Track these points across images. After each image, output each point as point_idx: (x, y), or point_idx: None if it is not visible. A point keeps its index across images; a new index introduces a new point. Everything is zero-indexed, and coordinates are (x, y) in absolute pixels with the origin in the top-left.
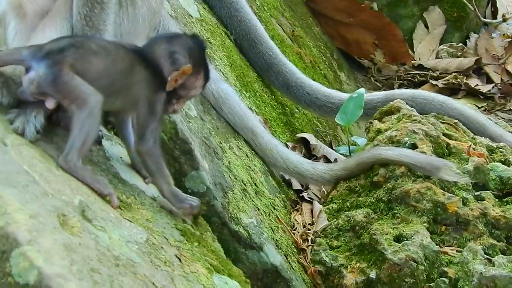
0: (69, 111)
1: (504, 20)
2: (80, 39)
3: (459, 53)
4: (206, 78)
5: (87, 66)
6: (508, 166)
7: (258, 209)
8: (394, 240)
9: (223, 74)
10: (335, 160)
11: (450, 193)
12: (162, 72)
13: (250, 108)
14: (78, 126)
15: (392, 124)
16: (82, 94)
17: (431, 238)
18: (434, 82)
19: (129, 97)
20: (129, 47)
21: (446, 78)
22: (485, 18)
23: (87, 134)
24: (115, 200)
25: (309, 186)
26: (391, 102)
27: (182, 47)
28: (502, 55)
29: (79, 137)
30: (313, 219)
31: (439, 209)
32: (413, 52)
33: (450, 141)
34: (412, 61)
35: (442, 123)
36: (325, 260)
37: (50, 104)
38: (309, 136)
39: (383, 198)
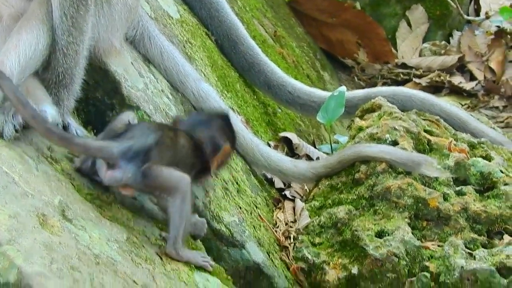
0: (161, 197)
1: (487, 17)
2: (160, 135)
3: (442, 51)
4: (233, 147)
5: (163, 156)
6: (489, 161)
7: (240, 208)
8: (376, 236)
9: (204, 74)
10: (317, 158)
11: (431, 189)
12: (204, 154)
13: (232, 108)
14: (177, 214)
15: (373, 121)
16: (173, 181)
17: (412, 233)
18: (417, 80)
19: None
20: (183, 130)
21: (430, 76)
22: (468, 15)
23: (185, 219)
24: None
25: (291, 184)
26: (372, 100)
27: (219, 129)
28: (485, 53)
29: (180, 225)
30: (295, 216)
31: (420, 204)
32: (396, 50)
33: (431, 138)
34: (396, 60)
35: (424, 119)
36: (307, 257)
37: (129, 192)
38: (291, 135)
39: (364, 195)
